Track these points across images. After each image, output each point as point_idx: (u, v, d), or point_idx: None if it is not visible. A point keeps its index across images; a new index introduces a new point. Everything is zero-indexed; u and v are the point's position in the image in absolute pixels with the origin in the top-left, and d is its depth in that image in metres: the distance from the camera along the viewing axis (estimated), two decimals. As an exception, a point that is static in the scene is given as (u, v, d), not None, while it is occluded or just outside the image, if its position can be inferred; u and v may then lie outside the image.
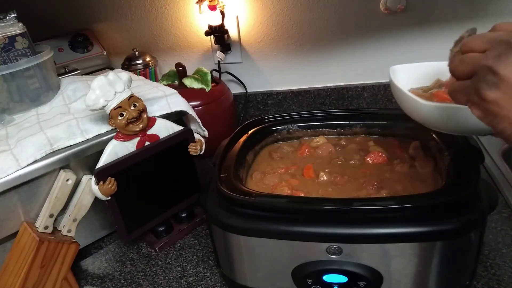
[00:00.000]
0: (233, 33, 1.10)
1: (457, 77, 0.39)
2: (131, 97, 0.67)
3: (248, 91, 1.16)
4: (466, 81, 0.37)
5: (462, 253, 0.52)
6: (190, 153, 0.77)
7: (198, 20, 1.11)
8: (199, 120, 0.81)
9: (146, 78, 1.05)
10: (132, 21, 1.15)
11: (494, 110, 0.35)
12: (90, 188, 0.68)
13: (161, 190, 0.76)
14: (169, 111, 0.77)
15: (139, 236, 0.77)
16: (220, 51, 1.11)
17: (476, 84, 0.35)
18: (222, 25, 1.06)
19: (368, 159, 0.69)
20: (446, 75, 0.61)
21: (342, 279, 0.53)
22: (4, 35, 0.73)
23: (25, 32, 0.76)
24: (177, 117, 0.80)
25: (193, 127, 0.82)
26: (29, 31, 0.77)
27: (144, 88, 0.82)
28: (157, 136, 0.73)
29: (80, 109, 0.75)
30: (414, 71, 0.66)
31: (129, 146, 0.70)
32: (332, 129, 0.78)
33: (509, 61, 0.33)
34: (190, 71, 1.02)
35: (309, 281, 0.55)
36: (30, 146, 0.65)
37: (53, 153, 0.67)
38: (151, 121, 0.72)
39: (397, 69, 0.65)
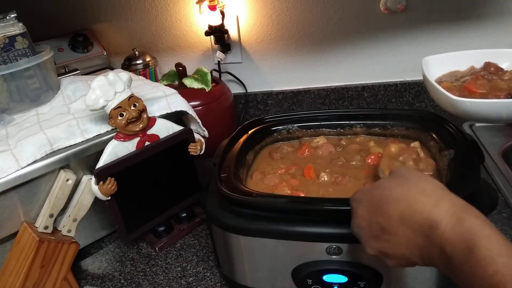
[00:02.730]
0: (233, 33, 1.10)
1: None
2: (131, 97, 0.67)
3: (248, 91, 1.16)
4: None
5: (462, 253, 0.52)
6: (190, 153, 0.77)
7: (198, 20, 1.11)
8: (199, 120, 0.81)
9: (146, 78, 1.05)
10: (132, 21, 1.15)
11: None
12: (90, 188, 0.68)
13: (161, 190, 0.76)
14: (169, 111, 0.77)
15: (139, 236, 0.77)
16: (220, 51, 1.11)
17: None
18: (222, 25, 1.06)
19: (368, 160, 0.69)
20: (480, 63, 0.68)
21: (342, 279, 0.53)
22: (4, 35, 0.73)
23: (25, 32, 0.76)
24: (177, 117, 0.80)
25: (193, 127, 0.82)
26: (29, 31, 0.77)
27: (144, 88, 0.82)
28: (157, 136, 0.73)
29: (80, 109, 0.75)
30: (448, 61, 0.69)
31: (129, 146, 0.70)
32: (332, 129, 0.77)
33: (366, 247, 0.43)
34: (190, 71, 1.02)
35: (309, 281, 0.55)
36: (30, 146, 0.65)
37: (53, 153, 0.67)
38: (151, 121, 0.72)
39: (429, 60, 0.68)
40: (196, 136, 0.78)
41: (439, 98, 0.63)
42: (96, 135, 0.70)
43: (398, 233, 0.39)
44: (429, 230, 0.36)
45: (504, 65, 0.68)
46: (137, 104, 0.68)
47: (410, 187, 0.40)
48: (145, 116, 0.70)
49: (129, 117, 0.67)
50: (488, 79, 0.63)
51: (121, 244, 0.80)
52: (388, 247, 0.40)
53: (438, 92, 0.62)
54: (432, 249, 0.36)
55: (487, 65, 0.68)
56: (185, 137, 0.76)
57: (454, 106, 0.59)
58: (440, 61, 0.70)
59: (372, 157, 0.69)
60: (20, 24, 0.75)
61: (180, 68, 0.99)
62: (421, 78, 0.70)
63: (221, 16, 1.04)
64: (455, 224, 0.35)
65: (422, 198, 0.38)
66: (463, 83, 0.65)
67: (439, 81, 0.68)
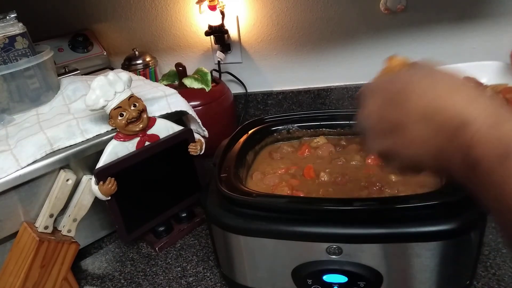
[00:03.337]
0: (233, 33, 1.10)
1: None
2: (131, 97, 0.67)
3: (248, 91, 1.16)
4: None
5: (462, 253, 0.52)
6: (190, 153, 0.77)
7: (198, 20, 1.10)
8: (199, 120, 0.81)
9: (146, 78, 1.05)
10: (132, 21, 1.15)
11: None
12: (90, 188, 0.68)
13: (161, 190, 0.76)
14: (169, 111, 0.77)
15: (139, 236, 0.77)
16: (220, 51, 1.11)
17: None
18: (222, 25, 1.06)
19: (368, 160, 0.69)
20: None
21: (342, 279, 0.53)
22: (4, 35, 0.73)
23: (25, 32, 0.76)
24: (177, 117, 0.80)
25: (193, 127, 0.82)
26: (29, 31, 0.77)
27: (144, 88, 0.82)
28: (157, 136, 0.73)
29: (80, 109, 0.75)
30: None
31: (129, 146, 0.70)
32: (332, 129, 0.78)
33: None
34: (190, 71, 1.02)
35: (309, 281, 0.55)
36: (30, 146, 0.65)
37: (53, 153, 0.67)
38: (151, 121, 0.72)
39: None
40: (196, 136, 0.78)
41: None
42: (96, 135, 0.70)
43: (416, 131, 0.34)
44: (457, 130, 0.32)
45: (484, 79, 0.65)
46: (137, 104, 0.68)
47: (440, 81, 0.35)
48: (145, 116, 0.70)
49: (129, 117, 0.67)
50: None
51: (121, 244, 0.80)
52: (397, 146, 0.36)
53: None
54: (454, 152, 0.32)
55: (467, 80, 0.65)
56: (185, 137, 0.76)
57: None
58: None
59: (372, 157, 0.69)
60: (20, 24, 0.75)
61: (180, 68, 0.99)
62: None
63: (221, 16, 1.04)
64: (491, 126, 0.31)
65: (454, 94, 0.34)
66: None
67: None
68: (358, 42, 1.06)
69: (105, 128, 0.71)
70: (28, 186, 0.65)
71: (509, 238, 0.29)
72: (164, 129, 0.74)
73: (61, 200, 0.67)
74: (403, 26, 1.02)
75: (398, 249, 0.51)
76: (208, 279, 0.68)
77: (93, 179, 0.67)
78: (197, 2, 1.04)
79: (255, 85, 1.16)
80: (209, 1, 1.01)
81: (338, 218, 0.52)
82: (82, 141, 0.69)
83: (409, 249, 0.50)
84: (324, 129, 0.78)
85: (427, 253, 0.50)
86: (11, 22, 0.74)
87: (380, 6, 1.00)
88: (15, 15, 0.75)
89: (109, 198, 0.68)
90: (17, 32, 0.74)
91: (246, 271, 0.59)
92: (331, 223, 0.51)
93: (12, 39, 0.74)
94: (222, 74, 1.13)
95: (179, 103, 0.79)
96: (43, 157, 0.65)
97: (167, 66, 1.18)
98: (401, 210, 0.50)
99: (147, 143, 0.72)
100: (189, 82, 0.98)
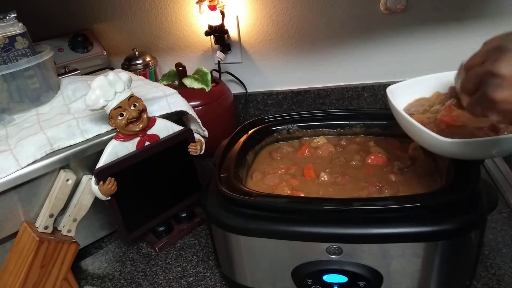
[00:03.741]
0: (233, 33, 1.10)
1: (468, 94, 0.43)
2: (131, 97, 0.67)
3: (248, 91, 1.16)
4: (477, 93, 0.40)
5: (462, 253, 0.52)
6: (190, 153, 0.77)
7: (198, 20, 1.11)
8: (199, 120, 0.81)
9: (146, 78, 1.05)
10: (132, 21, 1.15)
11: (507, 109, 0.36)
12: (90, 188, 0.68)
13: (161, 190, 0.76)
14: (169, 111, 0.77)
15: (139, 236, 0.77)
16: (220, 51, 1.11)
17: (484, 92, 0.38)
18: (222, 25, 1.06)
19: (368, 160, 0.69)
20: (444, 87, 0.62)
21: (342, 279, 0.53)
22: (4, 35, 0.73)
23: (25, 32, 0.76)
24: (177, 117, 0.80)
25: (193, 127, 0.82)
26: (29, 31, 0.77)
27: (144, 88, 0.82)
28: (157, 136, 0.73)
29: (80, 109, 0.75)
30: (412, 88, 0.66)
31: (129, 146, 0.70)
32: (332, 129, 0.78)
33: (505, 61, 0.36)
34: (190, 71, 1.02)
35: (309, 281, 0.55)
36: (30, 146, 0.65)
37: (53, 153, 0.67)
38: (151, 121, 0.72)
39: (395, 89, 0.64)
40: (196, 136, 0.78)
41: (418, 136, 0.57)
42: (96, 135, 0.70)
43: None
44: None
45: None
46: (137, 104, 0.68)
47: None
48: (145, 116, 0.70)
49: (129, 117, 0.67)
50: (463, 108, 0.55)
51: (121, 244, 0.80)
52: None
53: (419, 131, 0.55)
54: None
55: (452, 90, 0.59)
56: (185, 137, 0.76)
57: (441, 147, 0.53)
58: (404, 89, 0.66)
59: (372, 157, 0.69)
60: (20, 24, 0.75)
61: (180, 68, 0.99)
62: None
63: (221, 16, 1.04)
64: None
65: None
66: (435, 114, 0.59)
67: (409, 113, 0.61)
68: (358, 42, 1.06)
69: (105, 128, 0.71)
70: (28, 186, 0.65)
71: None
72: (164, 129, 0.74)
73: (61, 200, 0.67)
74: (403, 26, 1.02)
75: (398, 249, 0.51)
76: (208, 279, 0.68)
77: (93, 179, 0.67)
78: (197, 2, 1.04)
79: (255, 85, 1.16)
80: (209, 1, 1.01)
81: (338, 218, 0.52)
82: (82, 141, 0.69)
83: (409, 249, 0.50)
84: (324, 129, 0.78)
85: (427, 253, 0.50)
86: (11, 22, 0.74)
87: (380, 6, 1.00)
88: (15, 15, 0.75)
89: (109, 198, 0.68)
90: (17, 32, 0.74)
91: (246, 271, 0.59)
92: (331, 223, 0.51)
93: (12, 39, 0.74)
94: (222, 74, 1.13)
95: (179, 103, 0.79)
96: (43, 157, 0.65)
97: (167, 66, 1.18)
98: (401, 210, 0.50)
99: (147, 143, 0.72)
100: (189, 82, 0.98)
